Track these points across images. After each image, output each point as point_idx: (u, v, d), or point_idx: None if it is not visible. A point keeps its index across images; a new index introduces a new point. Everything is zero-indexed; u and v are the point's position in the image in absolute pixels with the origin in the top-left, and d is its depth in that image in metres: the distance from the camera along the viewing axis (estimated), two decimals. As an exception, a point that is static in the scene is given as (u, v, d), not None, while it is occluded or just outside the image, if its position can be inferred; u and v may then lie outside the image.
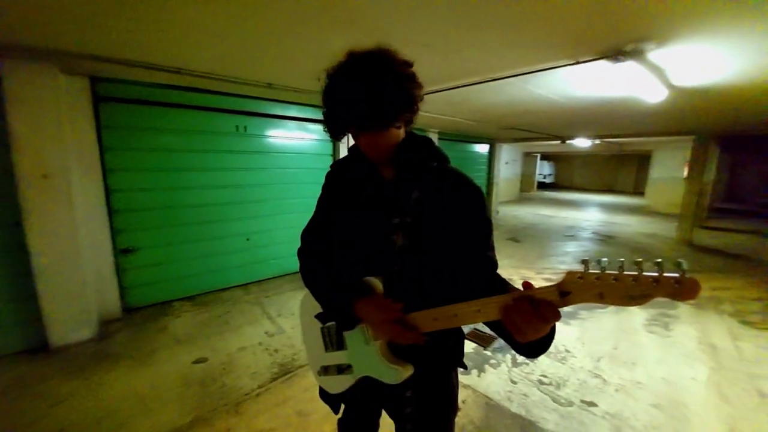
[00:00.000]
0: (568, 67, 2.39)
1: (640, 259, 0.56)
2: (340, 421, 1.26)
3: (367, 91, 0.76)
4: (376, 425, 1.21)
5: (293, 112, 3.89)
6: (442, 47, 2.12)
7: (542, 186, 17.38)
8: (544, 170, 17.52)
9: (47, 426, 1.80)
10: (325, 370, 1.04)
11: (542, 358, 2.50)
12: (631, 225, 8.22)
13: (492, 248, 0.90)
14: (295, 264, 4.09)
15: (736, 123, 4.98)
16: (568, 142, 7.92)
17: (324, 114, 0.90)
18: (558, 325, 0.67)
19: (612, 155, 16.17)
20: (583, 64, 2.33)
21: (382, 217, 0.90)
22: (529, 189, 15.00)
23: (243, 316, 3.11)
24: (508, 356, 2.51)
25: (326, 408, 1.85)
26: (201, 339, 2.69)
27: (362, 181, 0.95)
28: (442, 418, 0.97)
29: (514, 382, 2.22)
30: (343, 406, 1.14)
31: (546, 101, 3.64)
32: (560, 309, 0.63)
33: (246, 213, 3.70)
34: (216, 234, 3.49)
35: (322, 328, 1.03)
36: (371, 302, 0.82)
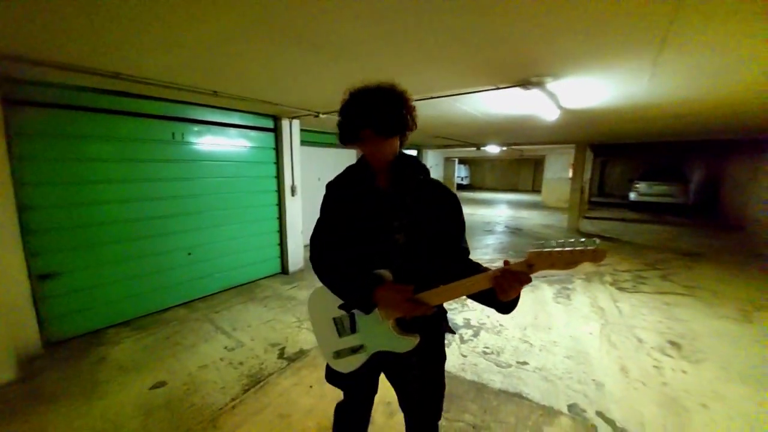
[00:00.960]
0: (490, 91, 2.91)
1: (573, 239, 0.90)
2: (338, 405, 1.44)
3: (385, 105, 1.01)
4: (371, 404, 1.41)
5: (235, 119, 3.80)
6: (391, 70, 2.41)
7: (460, 187, 19.20)
8: (461, 173, 19.38)
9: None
10: (338, 354, 1.21)
11: (482, 333, 2.96)
12: (532, 218, 9.71)
13: (465, 240, 1.19)
14: (241, 276, 3.99)
15: (605, 134, 6.39)
16: (482, 148, 9.03)
17: (339, 123, 1.11)
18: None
19: (514, 159, 18.69)
20: (501, 90, 2.87)
21: (386, 221, 1.12)
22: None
23: (195, 334, 2.95)
24: (457, 336, 2.91)
25: (307, 405, 2.00)
26: (152, 363, 2.50)
27: (364, 192, 1.17)
28: (439, 376, 1.22)
29: (464, 356, 2.61)
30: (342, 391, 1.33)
31: (470, 116, 4.23)
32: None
33: (186, 225, 3.48)
34: (153, 250, 3.22)
35: (334, 318, 1.20)
36: (388, 288, 1.04)
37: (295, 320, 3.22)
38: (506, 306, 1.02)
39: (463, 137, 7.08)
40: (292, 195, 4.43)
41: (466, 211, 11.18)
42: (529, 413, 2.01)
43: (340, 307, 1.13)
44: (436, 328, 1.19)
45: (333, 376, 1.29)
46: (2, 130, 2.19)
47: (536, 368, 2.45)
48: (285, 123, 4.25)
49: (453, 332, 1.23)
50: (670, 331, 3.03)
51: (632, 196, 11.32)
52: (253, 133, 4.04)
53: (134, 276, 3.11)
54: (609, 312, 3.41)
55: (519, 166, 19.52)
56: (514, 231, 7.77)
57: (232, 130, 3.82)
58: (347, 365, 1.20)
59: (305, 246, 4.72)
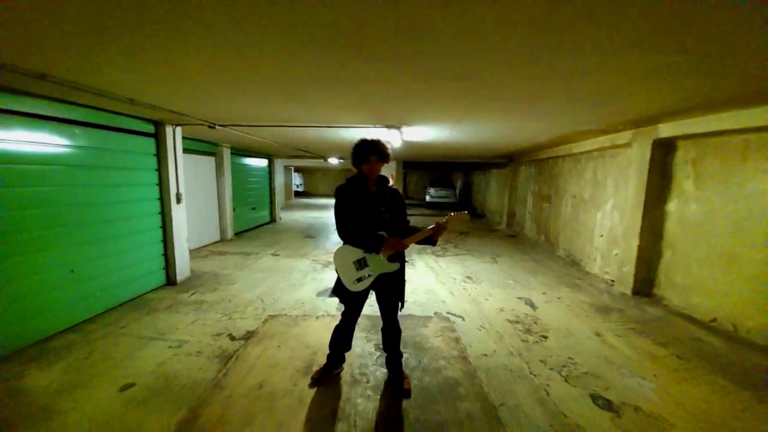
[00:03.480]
0: (369, 128, 4.30)
1: (458, 211, 2.34)
2: (336, 327, 2.43)
3: (383, 146, 2.15)
4: (356, 323, 2.46)
5: (115, 122, 3.56)
6: (302, 102, 3.35)
7: (297, 194, 20.14)
8: (296, 181, 20.33)
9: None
10: (358, 280, 2.21)
11: (374, 293, 4.29)
12: (368, 218, 11.96)
13: (407, 215, 2.46)
14: (124, 293, 4.02)
15: (414, 155, 9.09)
16: (328, 159, 10.48)
17: (354, 152, 2.16)
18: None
19: (342, 169, 21.32)
20: (375, 128, 4.31)
21: (377, 209, 2.25)
22: (289, 197, 17.14)
23: (119, 348, 2.85)
24: (359, 298, 4.11)
25: (286, 356, 2.87)
26: (96, 377, 2.43)
27: (362, 193, 2.24)
28: (404, 281, 2.41)
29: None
30: (340, 317, 2.35)
31: (342, 139, 5.52)
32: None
33: (68, 240, 3.09)
34: (25, 270, 2.76)
35: (353, 261, 2.20)
36: (390, 239, 2.17)
37: (221, 315, 3.54)
38: (435, 242, 2.36)
39: (322, 151, 8.26)
40: (178, 202, 4.38)
41: (313, 215, 12.42)
42: (417, 320, 3.48)
43: (366, 251, 2.16)
44: (403, 259, 2.40)
45: (345, 297, 2.28)
46: None
47: (413, 302, 4.00)
48: (169, 129, 4.20)
49: (406, 261, 2.47)
50: (466, 272, 5.32)
51: (427, 198, 15.62)
52: (131, 137, 3.83)
53: (8, 300, 2.63)
54: (436, 268, 5.48)
55: (346, 176, 22.34)
56: (359, 228, 9.59)
57: (113, 134, 3.57)
58: (362, 285, 2.23)
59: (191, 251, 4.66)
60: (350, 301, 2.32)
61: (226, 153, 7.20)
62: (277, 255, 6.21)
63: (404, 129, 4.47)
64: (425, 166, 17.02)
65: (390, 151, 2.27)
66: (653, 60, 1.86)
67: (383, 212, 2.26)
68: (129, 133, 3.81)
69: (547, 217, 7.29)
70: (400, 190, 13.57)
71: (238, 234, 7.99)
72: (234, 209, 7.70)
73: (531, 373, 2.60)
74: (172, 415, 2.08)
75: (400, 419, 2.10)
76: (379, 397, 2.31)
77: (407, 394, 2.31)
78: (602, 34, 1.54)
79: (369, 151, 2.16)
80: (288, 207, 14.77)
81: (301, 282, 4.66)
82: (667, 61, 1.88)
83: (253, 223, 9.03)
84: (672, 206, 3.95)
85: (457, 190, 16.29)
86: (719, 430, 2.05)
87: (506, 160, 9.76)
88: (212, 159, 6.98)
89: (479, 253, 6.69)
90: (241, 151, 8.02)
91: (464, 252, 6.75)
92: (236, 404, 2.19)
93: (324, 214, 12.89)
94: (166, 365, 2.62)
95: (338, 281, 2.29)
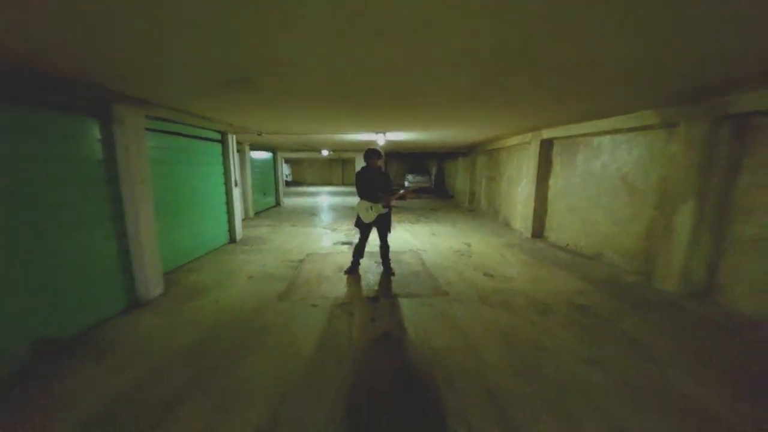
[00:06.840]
0: (363, 133, 6.52)
1: (412, 184, 4.65)
2: (356, 245, 4.75)
3: (380, 151, 4.46)
4: (366, 241, 4.78)
5: (204, 134, 5.63)
6: (328, 122, 5.56)
7: (288, 184, 22.00)
8: (285, 171, 22.14)
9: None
10: (368, 216, 4.51)
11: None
12: (351, 201, 14.21)
13: (391, 185, 4.78)
14: (212, 244, 5.99)
15: (394, 148, 11.35)
16: (322, 152, 12.55)
17: (366, 155, 4.45)
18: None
19: (327, 159, 23.27)
20: (368, 133, 6.53)
21: (377, 182, 4.54)
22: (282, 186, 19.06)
23: (230, 266, 5.02)
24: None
25: (326, 265, 5.12)
26: (229, 276, 4.62)
27: (368, 175, 4.52)
28: (390, 219, 4.71)
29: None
30: (358, 238, 4.66)
31: (343, 140, 7.71)
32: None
33: (189, 210, 5.19)
34: (173, 227, 4.85)
35: (365, 208, 4.49)
36: (385, 196, 4.46)
37: (278, 254, 5.74)
38: (406, 199, 4.67)
39: (320, 146, 10.39)
40: (235, 186, 6.47)
41: (309, 200, 14.57)
42: (398, 253, 5.81)
43: (372, 202, 4.45)
44: (390, 207, 4.69)
45: (362, 226, 4.58)
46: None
47: (394, 246, 6.31)
48: (229, 136, 6.26)
49: (390, 208, 4.76)
50: (431, 231, 7.71)
51: (406, 183, 17.95)
52: (210, 143, 5.89)
53: (180, 238, 4.75)
54: (411, 230, 7.84)
55: (331, 165, 24.35)
56: (349, 209, 11.82)
57: (201, 142, 5.63)
58: (370, 219, 4.51)
59: (242, 220, 6.77)
60: (364, 228, 4.61)
61: (247, 149, 9.20)
62: (295, 226, 8.39)
63: (387, 134, 6.73)
64: (404, 156, 19.28)
65: (382, 152, 4.54)
66: (522, 110, 4.22)
67: (380, 183, 4.54)
68: (209, 140, 5.86)
69: (493, 194, 9.79)
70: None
71: (256, 214, 10.05)
72: (252, 194, 9.74)
73: (457, 267, 5.01)
74: (281, 284, 4.33)
75: (391, 280, 4.45)
76: (379, 276, 4.65)
77: (393, 274, 4.66)
78: (498, 102, 3.84)
79: (373, 155, 4.41)
80: (283, 195, 16.77)
81: (320, 239, 6.90)
82: (528, 110, 4.24)
83: (264, 206, 11.08)
84: (551, 181, 6.44)
85: (432, 176, 18.71)
86: (537, 282, 4.51)
87: (468, 151, 12.18)
88: (237, 154, 8.97)
89: (443, 221, 9.12)
90: (255, 146, 10.00)
91: (432, 221, 9.16)
92: (310, 278, 4.47)
93: (318, 199, 15.01)
94: (264, 271, 4.84)
95: (358, 218, 4.56)
